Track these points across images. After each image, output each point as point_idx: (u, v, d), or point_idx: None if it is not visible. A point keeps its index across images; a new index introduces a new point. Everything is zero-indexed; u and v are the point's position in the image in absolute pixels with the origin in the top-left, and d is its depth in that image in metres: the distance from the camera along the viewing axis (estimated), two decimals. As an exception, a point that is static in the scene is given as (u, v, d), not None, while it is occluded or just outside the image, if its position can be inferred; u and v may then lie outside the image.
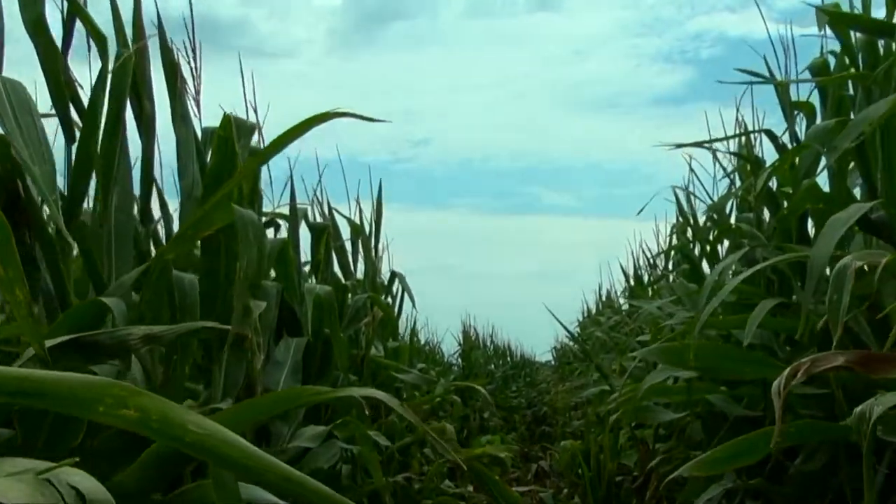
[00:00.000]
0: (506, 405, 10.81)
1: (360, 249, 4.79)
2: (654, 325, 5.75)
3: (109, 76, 2.21)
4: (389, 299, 5.52)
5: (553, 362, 14.30)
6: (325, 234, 3.83)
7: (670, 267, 6.17)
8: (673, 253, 5.98)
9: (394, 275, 5.14)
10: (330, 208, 4.49)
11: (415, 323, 6.70)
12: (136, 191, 2.46)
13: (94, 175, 2.17)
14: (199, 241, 2.63)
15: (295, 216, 3.54)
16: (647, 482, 4.07)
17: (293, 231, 3.54)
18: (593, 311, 10.31)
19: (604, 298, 9.57)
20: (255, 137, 3.31)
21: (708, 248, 4.91)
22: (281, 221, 3.67)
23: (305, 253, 4.15)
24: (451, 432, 4.28)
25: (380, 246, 5.06)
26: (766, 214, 4.12)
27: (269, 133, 3.46)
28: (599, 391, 5.14)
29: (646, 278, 6.95)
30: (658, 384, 2.70)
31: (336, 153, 4.74)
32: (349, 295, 4.03)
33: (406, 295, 5.27)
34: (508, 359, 13.63)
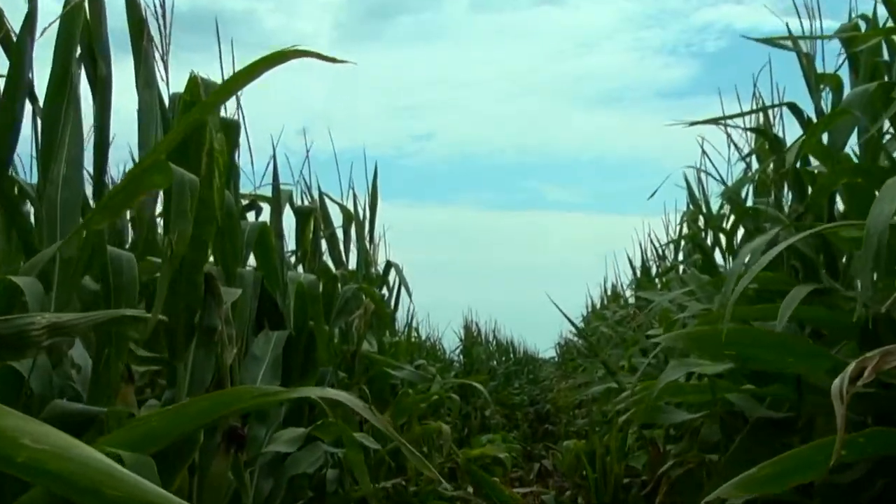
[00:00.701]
0: (508, 402, 10.52)
1: (353, 238, 4.50)
2: (665, 318, 5.47)
3: (57, 25, 1.93)
4: (385, 292, 5.24)
5: (556, 359, 13.99)
6: (311, 218, 3.54)
7: (680, 258, 5.87)
8: (683, 243, 5.68)
9: (389, 265, 4.84)
10: (321, 193, 4.20)
11: (413, 317, 6.39)
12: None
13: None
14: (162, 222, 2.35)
15: (278, 197, 3.25)
16: (658, 487, 3.78)
17: (276, 214, 3.25)
18: (598, 305, 10.01)
19: (609, 292, 9.27)
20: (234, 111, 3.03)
21: (722, 236, 4.62)
22: (264, 205, 3.39)
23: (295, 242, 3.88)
24: (447, 433, 3.99)
25: (375, 235, 4.78)
26: (788, 198, 3.84)
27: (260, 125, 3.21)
28: (606, 389, 4.84)
29: (654, 270, 6.65)
30: (674, 382, 2.41)
31: (331, 146, 4.46)
32: (339, 285, 3.74)
33: (403, 287, 4.98)
34: (511, 355, 13.33)
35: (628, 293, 7.75)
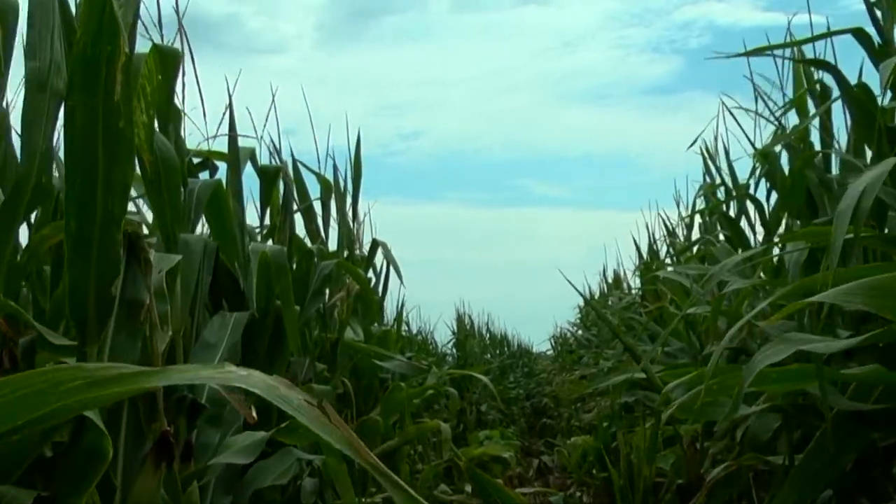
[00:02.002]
0: (504, 397, 9.92)
1: (334, 214, 3.87)
2: (682, 297, 4.87)
3: None
4: (372, 276, 4.62)
5: (552, 352, 13.37)
6: (278, 179, 2.90)
7: (695, 235, 5.26)
8: (699, 219, 5.06)
9: (375, 244, 4.20)
10: (294, 160, 3.57)
11: (402, 305, 5.75)
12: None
13: None
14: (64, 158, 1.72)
15: (236, 151, 2.62)
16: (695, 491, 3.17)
17: (233, 172, 2.62)
18: (597, 295, 9.41)
19: (609, 280, 8.66)
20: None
21: (750, 204, 4.01)
22: (221, 166, 2.75)
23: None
24: (447, 432, 3.37)
25: (359, 212, 4.14)
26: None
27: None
28: (625, 379, 4.22)
29: (664, 251, 6.02)
30: (776, 366, 1.77)
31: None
32: (315, 261, 3.10)
33: (393, 270, 4.34)
34: (505, 348, 12.70)
35: (635, 280, 7.13)
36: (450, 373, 5.34)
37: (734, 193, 4.31)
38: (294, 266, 3.09)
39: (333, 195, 3.76)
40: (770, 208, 3.94)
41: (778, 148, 3.63)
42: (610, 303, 7.60)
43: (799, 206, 3.21)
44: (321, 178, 3.67)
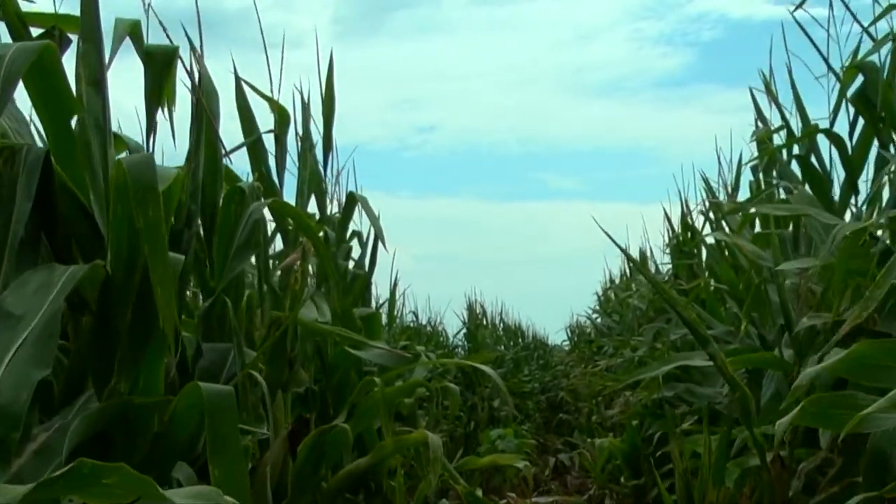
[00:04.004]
0: (518, 391, 8.92)
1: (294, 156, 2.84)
2: (727, 271, 3.86)
3: None
4: (357, 247, 3.61)
5: (568, 343, 12.29)
6: (172, 66, 1.86)
7: (743, 196, 4.21)
8: (751, 171, 4.01)
9: (352, 198, 3.16)
10: (237, 77, 2.54)
11: (396, 283, 4.73)
12: None
13: None
14: None
15: (91, 10, 1.59)
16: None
17: (89, 42, 1.59)
18: (618, 279, 8.38)
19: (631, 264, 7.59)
20: None
21: (824, 139, 2.97)
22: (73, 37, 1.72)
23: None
24: (437, 446, 2.32)
25: (332, 151, 3.09)
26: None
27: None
28: (666, 372, 3.18)
29: (699, 222, 4.94)
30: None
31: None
32: (246, 201, 2.07)
33: (375, 233, 3.31)
34: (520, 340, 11.62)
35: (664, 258, 6.07)
36: (442, 363, 4.27)
37: (799, 134, 3.30)
38: (221, 208, 2.08)
39: (295, 128, 2.76)
40: (854, 143, 2.94)
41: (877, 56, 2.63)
42: (634, 287, 6.57)
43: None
44: (275, 104, 2.64)
